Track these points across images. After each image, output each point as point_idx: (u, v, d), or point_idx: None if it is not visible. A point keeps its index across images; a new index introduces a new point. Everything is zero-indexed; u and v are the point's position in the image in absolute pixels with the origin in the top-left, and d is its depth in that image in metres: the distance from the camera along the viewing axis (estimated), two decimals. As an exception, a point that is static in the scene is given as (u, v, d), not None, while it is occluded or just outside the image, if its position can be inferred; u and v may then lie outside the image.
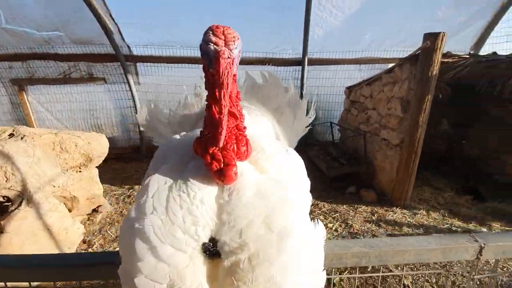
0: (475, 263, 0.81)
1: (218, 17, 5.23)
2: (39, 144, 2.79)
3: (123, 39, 5.18)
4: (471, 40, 5.46)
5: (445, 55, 3.50)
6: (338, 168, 4.72)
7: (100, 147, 3.40)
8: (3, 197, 2.43)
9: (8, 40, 5.03)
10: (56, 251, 2.55)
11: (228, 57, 0.65)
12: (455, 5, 4.83)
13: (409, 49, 5.26)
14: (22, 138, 2.71)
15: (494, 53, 3.62)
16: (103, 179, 3.84)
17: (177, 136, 0.95)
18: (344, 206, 3.97)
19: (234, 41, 0.67)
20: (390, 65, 5.34)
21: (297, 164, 0.91)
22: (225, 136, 0.71)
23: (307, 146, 5.69)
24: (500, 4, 4.82)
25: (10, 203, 2.45)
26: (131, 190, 4.51)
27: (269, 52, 5.56)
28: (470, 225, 3.50)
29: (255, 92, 1.69)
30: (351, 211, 3.85)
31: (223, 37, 0.67)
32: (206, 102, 0.73)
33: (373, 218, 3.67)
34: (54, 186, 2.82)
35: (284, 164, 0.84)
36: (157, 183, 0.73)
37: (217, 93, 0.69)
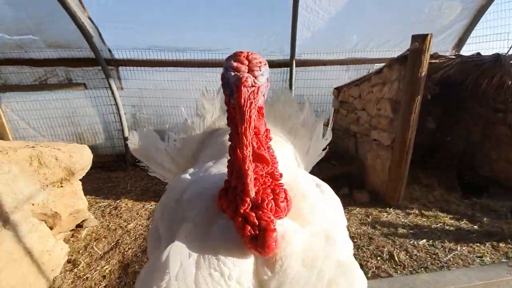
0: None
1: (202, 20, 5.07)
2: (15, 160, 2.57)
3: (103, 42, 4.94)
4: (452, 41, 5.60)
5: (432, 56, 3.53)
6: (329, 169, 4.71)
7: (83, 159, 3.19)
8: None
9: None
10: (39, 276, 2.35)
11: (252, 85, 0.54)
12: (438, 8, 4.93)
13: (393, 50, 5.34)
14: (-5, 153, 2.48)
15: (478, 54, 3.70)
16: (86, 190, 3.62)
17: (187, 176, 0.79)
18: (339, 209, 3.96)
19: (260, 66, 0.56)
20: (376, 65, 5.41)
21: (337, 204, 0.77)
22: (258, 189, 0.57)
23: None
24: (478, 6, 4.97)
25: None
26: (117, 201, 4.30)
27: (257, 54, 5.47)
28: (462, 223, 3.56)
29: (266, 111, 1.50)
30: (346, 214, 3.81)
31: (246, 62, 0.56)
32: (230, 143, 0.62)
33: (368, 220, 3.67)
34: (33, 204, 2.60)
35: (325, 208, 0.71)
36: (179, 256, 0.56)
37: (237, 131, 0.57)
